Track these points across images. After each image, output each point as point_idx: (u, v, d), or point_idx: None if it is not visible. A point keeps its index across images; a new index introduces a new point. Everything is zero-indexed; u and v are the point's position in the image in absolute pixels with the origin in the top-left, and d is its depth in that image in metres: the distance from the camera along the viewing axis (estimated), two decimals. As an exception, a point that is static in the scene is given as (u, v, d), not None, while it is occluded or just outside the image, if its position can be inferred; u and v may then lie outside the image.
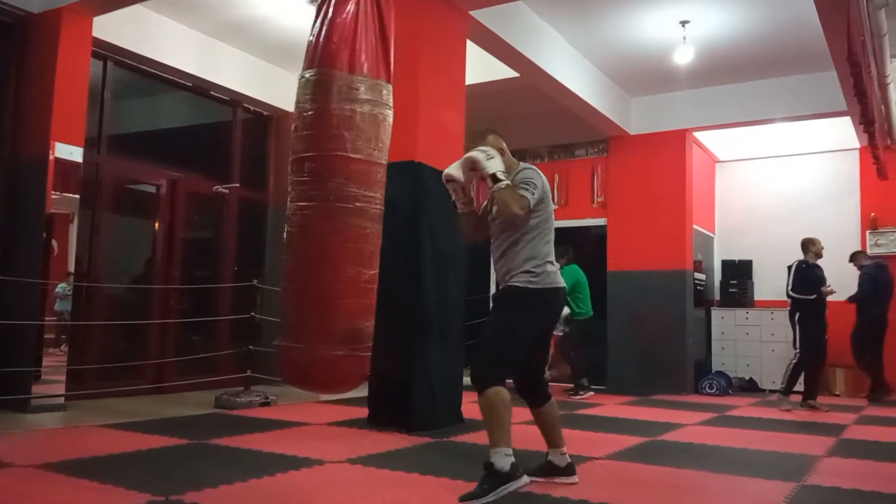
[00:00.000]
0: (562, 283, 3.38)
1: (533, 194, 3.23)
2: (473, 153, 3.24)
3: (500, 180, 3.17)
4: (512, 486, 3.10)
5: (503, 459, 3.06)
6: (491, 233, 3.45)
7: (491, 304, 3.51)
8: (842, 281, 8.05)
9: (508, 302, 3.29)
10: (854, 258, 8.70)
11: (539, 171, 3.38)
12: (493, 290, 10.33)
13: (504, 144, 3.48)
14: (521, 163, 3.49)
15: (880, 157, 8.10)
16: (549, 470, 3.45)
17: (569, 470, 3.45)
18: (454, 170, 3.29)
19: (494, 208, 3.37)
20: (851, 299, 8.59)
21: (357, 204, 2.84)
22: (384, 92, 2.93)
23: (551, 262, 3.35)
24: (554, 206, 3.52)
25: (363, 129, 2.84)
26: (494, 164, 3.20)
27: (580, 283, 7.89)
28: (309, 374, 2.92)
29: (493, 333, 3.30)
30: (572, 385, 7.99)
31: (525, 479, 3.19)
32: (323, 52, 2.86)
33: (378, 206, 2.95)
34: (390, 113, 2.99)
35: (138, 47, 6.71)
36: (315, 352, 2.83)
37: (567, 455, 3.47)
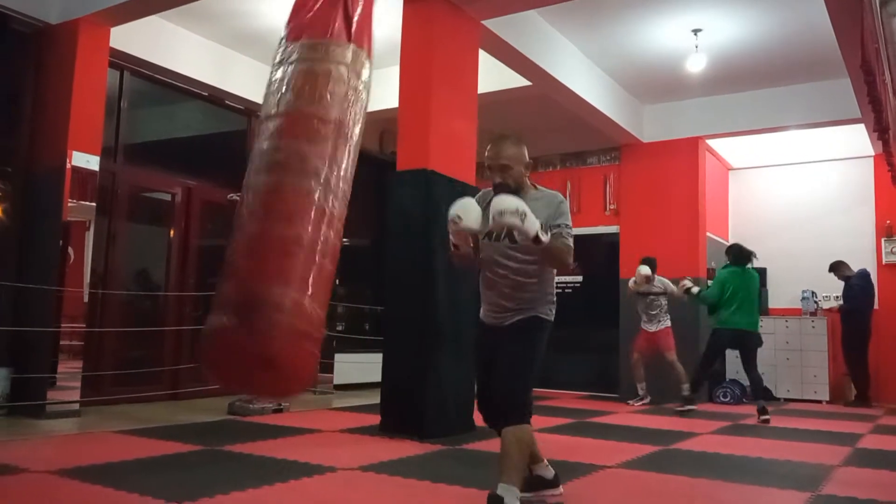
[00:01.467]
0: None
1: (571, 234, 3.03)
2: (508, 217, 2.77)
3: (541, 241, 2.82)
4: None
5: (515, 501, 2.82)
6: (491, 258, 3.13)
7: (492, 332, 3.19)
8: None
9: (535, 332, 3.08)
10: (836, 269, 8.78)
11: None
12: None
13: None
14: (540, 187, 3.20)
15: (895, 164, 8.04)
16: (539, 483, 3.31)
17: (555, 482, 3.33)
18: (472, 221, 2.91)
19: (518, 236, 2.94)
20: (842, 308, 8.64)
21: (279, 157, 2.63)
22: (328, 50, 2.75)
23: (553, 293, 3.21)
24: None
25: (296, 87, 2.70)
26: (531, 223, 2.78)
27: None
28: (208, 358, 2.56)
29: (522, 364, 3.02)
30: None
31: None
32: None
33: (314, 162, 2.63)
34: (336, 67, 2.74)
35: (154, 57, 6.79)
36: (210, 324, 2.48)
37: (549, 467, 3.34)
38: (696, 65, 7.13)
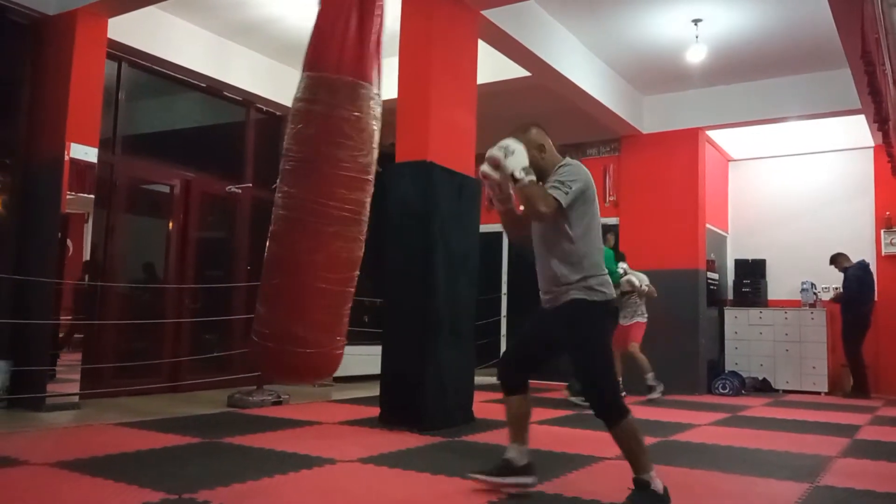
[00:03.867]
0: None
1: (567, 193, 2.96)
2: (493, 150, 2.99)
3: (518, 179, 2.92)
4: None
5: (657, 482, 2.91)
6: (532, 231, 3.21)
7: (542, 316, 3.16)
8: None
9: (581, 320, 3.02)
10: (835, 261, 8.86)
11: (582, 168, 3.11)
12: (505, 289, 10.35)
13: (547, 140, 3.23)
14: (566, 158, 3.21)
15: (895, 155, 8.03)
16: (507, 469, 3.20)
17: (529, 469, 3.22)
18: (487, 167, 3.03)
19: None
20: (836, 299, 8.69)
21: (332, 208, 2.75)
22: (362, 93, 2.80)
23: (603, 272, 3.09)
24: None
25: (352, 135, 2.76)
26: (514, 160, 2.94)
27: None
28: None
29: (595, 358, 2.99)
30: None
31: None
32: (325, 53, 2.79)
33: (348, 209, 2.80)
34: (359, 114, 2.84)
35: (152, 48, 6.76)
36: (283, 351, 2.78)
37: (526, 455, 3.24)
38: (696, 55, 7.10)
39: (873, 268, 8.94)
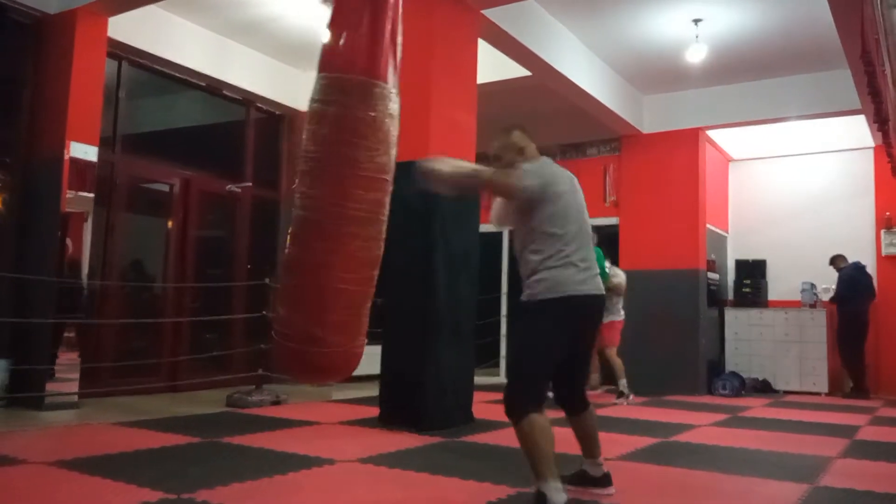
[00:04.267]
0: (582, 290, 3.03)
1: (523, 178, 3.05)
2: (425, 164, 3.19)
3: (477, 174, 3.20)
4: None
5: (556, 494, 2.80)
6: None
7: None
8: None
9: (524, 316, 3.15)
10: (833, 262, 8.90)
11: (546, 165, 3.18)
12: (505, 289, 10.34)
13: (530, 144, 3.30)
14: (542, 159, 3.28)
15: (895, 155, 8.03)
16: (583, 479, 3.30)
17: (604, 481, 3.28)
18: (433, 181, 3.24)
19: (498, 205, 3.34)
20: (832, 300, 8.74)
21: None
22: (377, 92, 2.76)
23: (560, 267, 3.01)
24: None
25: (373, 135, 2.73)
26: (441, 161, 3.19)
27: None
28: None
29: (514, 354, 3.18)
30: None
31: None
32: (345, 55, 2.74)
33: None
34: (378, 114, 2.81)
35: (152, 47, 6.76)
36: (304, 351, 2.77)
37: (603, 465, 3.31)
38: (696, 55, 7.09)
39: (873, 268, 8.93)
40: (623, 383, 7.25)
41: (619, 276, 7.52)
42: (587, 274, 3.07)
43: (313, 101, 2.75)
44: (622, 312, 7.44)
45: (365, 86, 2.69)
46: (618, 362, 7.27)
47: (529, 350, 3.03)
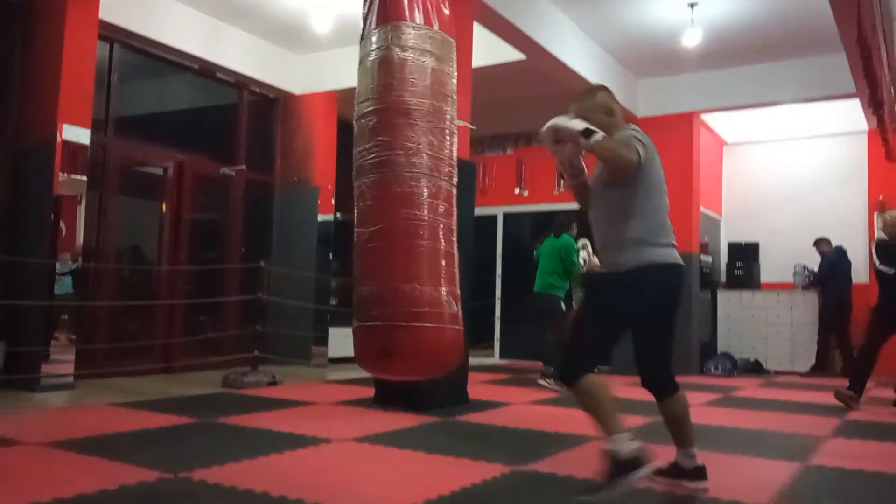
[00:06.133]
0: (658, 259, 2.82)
1: (640, 149, 2.77)
2: (552, 122, 2.77)
3: (593, 132, 2.69)
4: (634, 476, 2.61)
5: (622, 444, 2.62)
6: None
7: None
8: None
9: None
10: (817, 244, 8.99)
11: (643, 133, 2.92)
12: (499, 272, 10.36)
13: (616, 104, 3.06)
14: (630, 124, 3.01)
15: (889, 139, 8.06)
16: (675, 471, 2.98)
17: (697, 474, 2.94)
18: (551, 143, 2.84)
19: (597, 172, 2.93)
20: (812, 283, 8.80)
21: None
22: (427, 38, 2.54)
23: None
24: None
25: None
26: (575, 124, 2.73)
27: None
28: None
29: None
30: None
31: (650, 466, 2.66)
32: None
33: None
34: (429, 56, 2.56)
35: (144, 29, 6.71)
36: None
37: (696, 457, 2.96)
38: (691, 39, 7.08)
39: (866, 251, 8.97)
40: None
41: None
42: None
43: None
44: None
45: (399, 29, 2.45)
46: None
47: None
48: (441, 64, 2.56)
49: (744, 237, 10.04)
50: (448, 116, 2.56)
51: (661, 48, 7.83)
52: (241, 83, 7.98)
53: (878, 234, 7.37)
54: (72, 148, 5.71)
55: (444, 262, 2.57)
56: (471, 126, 5.73)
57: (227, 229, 7.91)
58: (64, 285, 5.76)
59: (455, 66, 2.65)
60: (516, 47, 6.86)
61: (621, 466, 2.60)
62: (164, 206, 7.24)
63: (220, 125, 8.12)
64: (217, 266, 7.59)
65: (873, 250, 6.03)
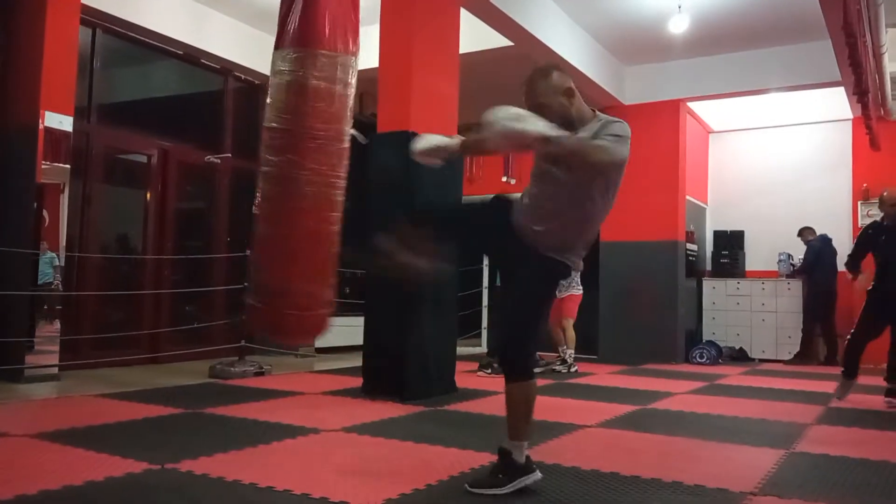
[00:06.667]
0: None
1: (617, 146, 2.65)
2: (497, 123, 2.55)
3: (550, 140, 2.50)
4: (528, 480, 2.74)
5: (523, 451, 2.77)
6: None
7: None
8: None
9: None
10: (801, 234, 9.08)
11: (624, 126, 2.74)
12: (486, 261, 10.35)
13: (572, 84, 2.79)
14: (601, 114, 2.81)
15: (873, 127, 8.10)
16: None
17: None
18: (427, 153, 2.93)
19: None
20: (797, 272, 8.88)
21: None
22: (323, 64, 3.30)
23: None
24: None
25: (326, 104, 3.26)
26: (532, 124, 2.52)
27: None
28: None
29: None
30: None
31: (538, 473, 2.77)
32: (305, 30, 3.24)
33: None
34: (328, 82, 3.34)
35: (127, 15, 6.62)
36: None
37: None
38: (678, 26, 7.08)
39: (851, 239, 9.04)
40: (570, 353, 7.15)
41: None
42: None
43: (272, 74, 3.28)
44: (580, 287, 7.33)
45: (316, 56, 3.03)
46: (572, 334, 7.22)
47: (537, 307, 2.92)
48: (346, 89, 3.42)
49: (729, 225, 10.09)
50: (346, 137, 3.39)
51: (649, 35, 7.83)
52: (226, 69, 7.90)
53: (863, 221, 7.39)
54: (54, 135, 5.64)
55: (327, 263, 3.44)
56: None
57: (213, 218, 7.85)
58: (43, 274, 5.69)
59: (355, 79, 3.45)
60: (504, 34, 6.84)
61: (519, 469, 2.76)
62: (148, 195, 7.18)
63: (204, 112, 8.04)
64: (203, 255, 7.54)
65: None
